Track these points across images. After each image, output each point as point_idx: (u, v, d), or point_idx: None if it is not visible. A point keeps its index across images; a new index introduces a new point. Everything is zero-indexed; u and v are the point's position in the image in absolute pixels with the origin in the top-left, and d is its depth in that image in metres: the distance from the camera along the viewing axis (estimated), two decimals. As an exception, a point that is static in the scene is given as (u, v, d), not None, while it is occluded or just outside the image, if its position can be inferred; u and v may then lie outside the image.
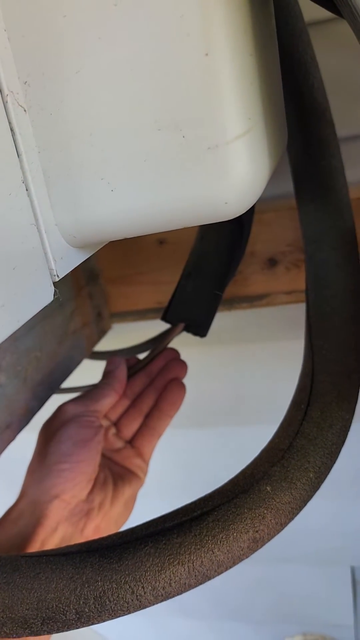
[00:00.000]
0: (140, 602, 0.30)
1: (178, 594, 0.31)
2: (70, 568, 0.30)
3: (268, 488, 0.32)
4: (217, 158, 0.20)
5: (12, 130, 0.20)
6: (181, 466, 0.81)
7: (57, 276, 0.22)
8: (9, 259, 0.19)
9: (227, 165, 0.20)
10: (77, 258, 0.24)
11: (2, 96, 0.19)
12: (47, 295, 0.21)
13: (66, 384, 0.54)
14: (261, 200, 0.25)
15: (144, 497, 0.83)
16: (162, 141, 0.20)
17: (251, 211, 0.54)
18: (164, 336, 0.52)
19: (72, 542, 0.44)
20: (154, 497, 0.83)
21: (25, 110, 0.20)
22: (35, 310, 0.20)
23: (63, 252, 0.22)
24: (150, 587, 0.29)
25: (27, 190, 0.20)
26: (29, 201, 0.21)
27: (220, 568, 0.31)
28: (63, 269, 0.22)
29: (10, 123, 0.20)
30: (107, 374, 0.51)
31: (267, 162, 0.23)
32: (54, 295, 0.21)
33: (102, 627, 1.02)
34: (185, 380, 0.72)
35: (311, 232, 0.45)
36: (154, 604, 0.30)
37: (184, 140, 0.20)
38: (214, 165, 0.20)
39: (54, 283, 0.22)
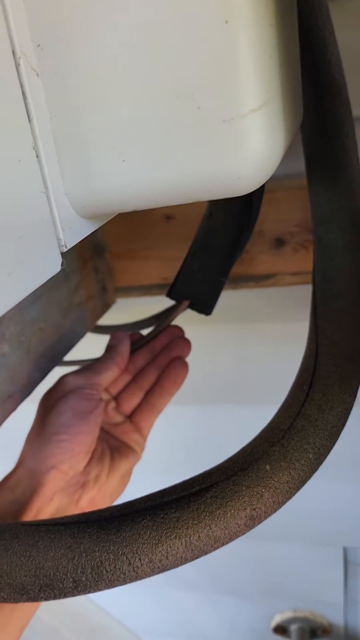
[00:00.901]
0: (136, 573, 0.30)
1: (174, 567, 0.31)
2: (69, 538, 0.30)
3: (267, 467, 0.33)
4: (231, 131, 0.20)
5: (23, 94, 0.19)
6: (179, 442, 0.82)
7: (65, 246, 0.21)
8: (17, 226, 0.18)
9: (241, 139, 0.20)
10: (86, 229, 0.23)
11: (14, 59, 0.19)
12: (54, 266, 0.21)
13: (68, 357, 0.54)
14: (271, 179, 0.25)
15: (141, 471, 0.84)
16: (177, 111, 0.20)
17: (261, 190, 0.53)
18: (169, 313, 0.52)
19: (67, 513, 0.44)
20: (152, 472, 0.84)
21: (37, 75, 0.20)
22: (43, 280, 0.20)
23: (72, 222, 0.22)
24: (147, 559, 0.30)
25: (37, 157, 0.20)
26: (39, 168, 0.20)
27: (217, 543, 0.31)
28: (71, 240, 0.22)
29: (22, 87, 0.19)
30: (110, 348, 0.51)
31: (282, 138, 0.22)
32: (62, 266, 0.21)
33: (98, 596, 1.04)
34: (188, 357, 0.72)
35: (321, 212, 0.45)
36: (150, 576, 0.31)
37: (198, 111, 0.20)
38: (228, 138, 0.20)
39: (62, 254, 0.22)
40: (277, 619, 1.01)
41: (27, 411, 0.46)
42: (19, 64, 0.19)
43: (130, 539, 0.30)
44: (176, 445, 0.82)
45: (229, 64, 0.19)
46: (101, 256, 0.62)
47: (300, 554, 0.89)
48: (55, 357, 0.50)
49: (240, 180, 0.21)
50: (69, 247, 0.22)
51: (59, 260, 0.21)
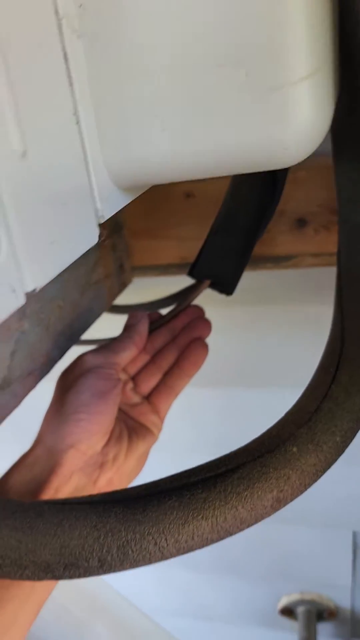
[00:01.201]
0: (162, 553, 0.30)
1: (200, 548, 0.31)
2: (94, 517, 0.30)
3: (294, 449, 0.32)
4: (280, 100, 0.19)
5: (65, 56, 0.18)
6: (192, 423, 0.82)
7: (103, 217, 0.21)
8: (59, 194, 0.18)
9: (289, 108, 0.19)
10: (122, 200, 0.23)
11: (57, 19, 0.18)
12: (92, 236, 0.20)
13: (85, 337, 0.53)
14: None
15: (152, 453, 0.84)
16: (223, 79, 0.19)
17: (286, 168, 0.52)
18: (189, 292, 0.51)
19: (85, 493, 0.44)
20: (161, 452, 0.84)
21: (79, 37, 0.19)
22: (82, 251, 0.19)
23: (109, 193, 0.21)
24: (173, 540, 0.29)
25: (77, 123, 0.19)
26: (79, 135, 0.19)
27: (243, 525, 0.31)
28: (108, 210, 0.21)
29: (64, 49, 0.18)
30: (128, 328, 0.50)
31: (329, 109, 0.22)
32: (99, 238, 0.20)
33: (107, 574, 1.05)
34: (204, 339, 0.72)
35: (347, 193, 0.43)
36: (175, 556, 0.30)
37: (246, 78, 0.19)
38: (276, 107, 0.19)
39: (99, 225, 0.21)
40: (284, 601, 1.02)
41: (45, 390, 0.46)
42: (62, 25, 0.18)
43: (157, 519, 0.29)
44: (185, 426, 0.81)
45: (280, 28, 0.18)
46: (119, 234, 0.61)
47: (310, 538, 0.90)
48: (73, 336, 0.50)
49: (287, 151, 0.20)
50: (106, 218, 0.21)
51: (96, 231, 0.20)
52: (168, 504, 0.30)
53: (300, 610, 1.01)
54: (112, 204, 0.22)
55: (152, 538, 0.29)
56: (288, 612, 1.02)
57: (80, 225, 0.19)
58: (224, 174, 0.22)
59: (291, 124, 0.20)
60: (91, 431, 0.44)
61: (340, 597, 0.99)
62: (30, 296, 0.18)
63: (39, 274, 0.16)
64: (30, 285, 0.15)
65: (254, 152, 0.20)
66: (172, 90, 0.20)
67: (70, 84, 0.19)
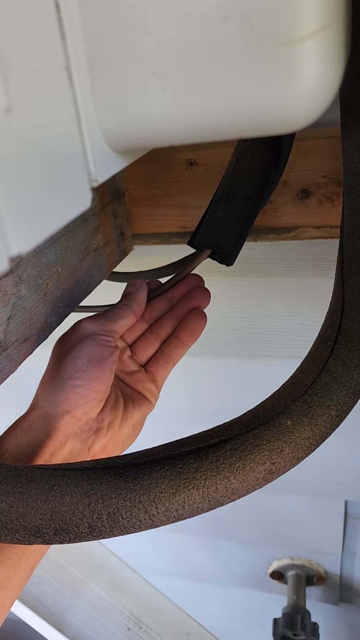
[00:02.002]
0: (152, 521, 0.30)
1: (190, 517, 0.31)
2: (86, 483, 0.30)
3: (288, 422, 0.32)
4: (286, 56, 0.18)
5: (57, 5, 0.17)
6: (187, 392, 0.82)
7: (96, 181, 0.20)
8: (47, 155, 0.17)
9: (297, 66, 0.18)
10: (117, 164, 0.22)
11: None
12: (84, 200, 0.19)
13: (84, 303, 0.53)
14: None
15: (150, 419, 0.84)
16: (226, 33, 0.18)
17: (291, 136, 0.50)
18: (189, 261, 0.50)
19: (80, 458, 0.44)
20: (158, 420, 0.84)
21: (72, -16, 0.18)
22: (73, 215, 0.18)
23: (103, 156, 0.20)
24: (163, 508, 0.30)
25: (69, 79, 0.18)
26: (71, 93, 0.18)
27: (234, 495, 0.31)
28: (102, 174, 0.20)
29: (56, -3, 0.17)
30: (126, 296, 0.50)
31: (339, 70, 0.20)
32: (92, 202, 0.20)
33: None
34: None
35: (354, 162, 0.42)
36: (165, 524, 0.31)
37: (251, 33, 0.18)
38: (282, 65, 0.18)
39: (92, 189, 0.20)
40: (275, 565, 1.04)
41: (42, 355, 0.46)
42: (54, -29, 0.17)
43: (148, 488, 0.29)
44: (182, 395, 0.82)
45: (288, -21, 0.17)
46: (120, 201, 0.60)
47: (303, 506, 0.91)
48: (71, 302, 0.49)
49: (292, 114, 0.19)
50: (99, 182, 0.20)
51: (89, 195, 0.19)
52: (160, 473, 0.30)
53: (290, 574, 1.03)
54: (107, 167, 0.21)
55: (143, 506, 0.29)
56: (278, 575, 1.04)
57: (71, 188, 0.18)
58: (226, 138, 0.21)
59: (297, 84, 0.18)
60: (87, 397, 0.43)
61: (330, 563, 1.01)
62: (16, 260, 0.17)
63: (25, 238, 0.15)
64: (14, 249, 0.15)
65: (256, 114, 0.19)
66: (173, 45, 0.19)
67: (63, 36, 0.18)
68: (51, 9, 0.17)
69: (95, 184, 0.20)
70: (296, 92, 0.18)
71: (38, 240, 0.16)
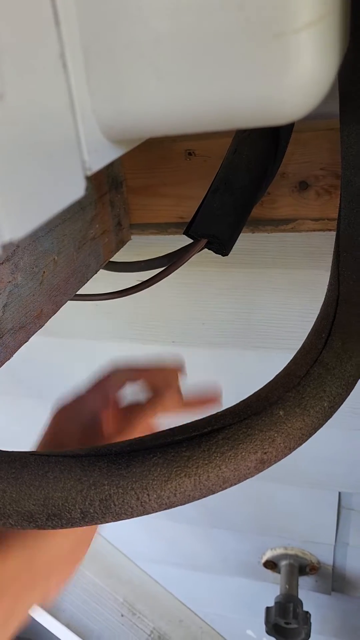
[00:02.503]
0: (144, 508, 0.30)
1: (182, 504, 0.31)
2: (79, 470, 0.31)
3: (281, 412, 0.32)
4: (281, 47, 0.18)
5: (52, -7, 0.17)
6: (186, 382, 0.82)
7: (90, 169, 0.20)
8: (41, 143, 0.17)
9: (291, 58, 0.18)
10: (112, 153, 0.22)
11: None
12: (78, 189, 0.19)
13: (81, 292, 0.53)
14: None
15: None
16: (222, 23, 0.18)
17: (290, 127, 0.50)
18: (185, 251, 0.50)
19: None
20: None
21: (68, -28, 0.18)
22: (65, 204, 0.18)
23: (98, 145, 0.20)
24: (155, 495, 0.30)
25: (63, 67, 0.18)
26: (66, 80, 0.18)
27: (225, 484, 0.31)
28: (96, 163, 0.20)
29: (51, -16, 0.17)
30: (100, 387, 0.48)
31: (335, 62, 0.20)
32: (86, 190, 0.20)
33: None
34: (199, 299, 0.72)
35: (352, 155, 0.42)
36: (157, 511, 0.31)
37: (246, 23, 0.18)
38: (276, 55, 0.18)
39: (86, 178, 0.20)
40: (268, 554, 1.05)
41: (37, 343, 0.46)
42: None
43: (140, 475, 0.30)
44: (183, 385, 0.82)
45: (284, -31, 0.17)
46: (118, 190, 0.60)
47: (297, 496, 0.92)
48: (68, 291, 0.49)
49: (285, 105, 0.19)
50: (93, 171, 0.20)
51: (83, 183, 0.20)
52: (152, 461, 0.30)
53: (283, 563, 1.04)
54: (101, 156, 0.21)
55: (135, 493, 0.30)
56: (271, 564, 1.05)
57: (64, 176, 0.19)
58: (221, 129, 0.21)
59: (291, 75, 0.19)
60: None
61: (323, 553, 1.02)
62: (10, 247, 0.17)
63: (17, 224, 0.15)
64: (6, 236, 0.15)
65: (251, 104, 0.19)
66: (167, 35, 0.19)
67: (57, 23, 0.18)
68: (46, -4, 0.17)
69: (89, 173, 0.20)
70: (290, 83, 0.18)
71: (30, 228, 0.16)
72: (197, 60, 0.19)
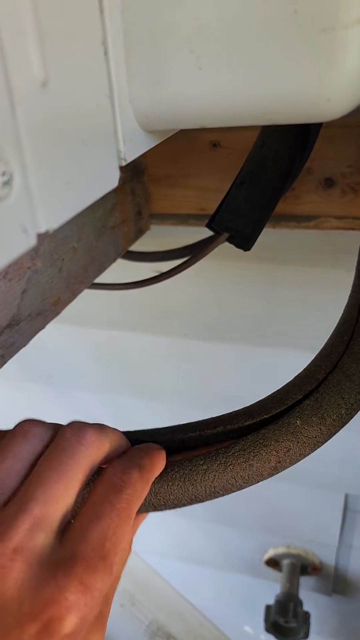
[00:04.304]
0: (156, 510, 0.31)
1: (189, 505, 0.31)
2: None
3: (298, 422, 0.32)
4: (329, 43, 0.17)
5: (97, -24, 0.17)
6: (196, 376, 0.82)
7: (125, 160, 0.19)
8: (79, 131, 0.16)
9: (339, 54, 0.17)
10: (146, 143, 0.21)
11: None
12: (112, 179, 0.19)
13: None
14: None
15: (155, 400, 0.85)
16: (270, 14, 0.17)
17: (320, 123, 0.49)
18: (206, 243, 0.49)
19: None
20: (166, 402, 0.85)
21: None
22: (100, 194, 0.18)
23: (133, 134, 0.20)
24: (171, 504, 0.30)
25: (105, 54, 0.18)
26: (106, 68, 0.18)
27: (237, 489, 0.32)
28: (131, 153, 0.20)
29: (96, -34, 0.17)
30: None
31: (381, 59, 0.20)
32: (119, 182, 0.19)
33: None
34: (214, 292, 0.71)
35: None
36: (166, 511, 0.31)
37: (295, 16, 0.17)
38: (324, 51, 0.17)
39: (120, 168, 0.20)
40: (271, 552, 1.05)
41: (52, 331, 0.46)
42: None
43: (157, 491, 0.30)
44: (191, 378, 0.82)
45: None
46: (139, 179, 0.59)
47: (303, 496, 0.91)
48: (86, 279, 0.49)
49: (330, 102, 0.18)
50: (128, 161, 0.20)
51: (117, 174, 0.19)
52: (169, 475, 0.30)
53: (285, 562, 1.04)
54: (136, 146, 0.20)
55: (152, 504, 0.30)
56: (273, 563, 1.05)
57: (100, 166, 0.18)
58: (260, 123, 0.20)
59: (337, 71, 0.18)
60: None
61: (326, 554, 1.01)
62: (43, 236, 0.17)
63: (53, 214, 0.15)
64: (43, 226, 0.14)
65: (293, 99, 0.19)
66: (212, 24, 0.18)
67: (101, 10, 0.17)
68: (91, -22, 0.16)
69: (123, 163, 0.19)
70: (336, 80, 0.18)
71: (66, 218, 0.15)
72: (240, 51, 0.18)
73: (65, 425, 0.27)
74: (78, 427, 0.26)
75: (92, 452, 0.26)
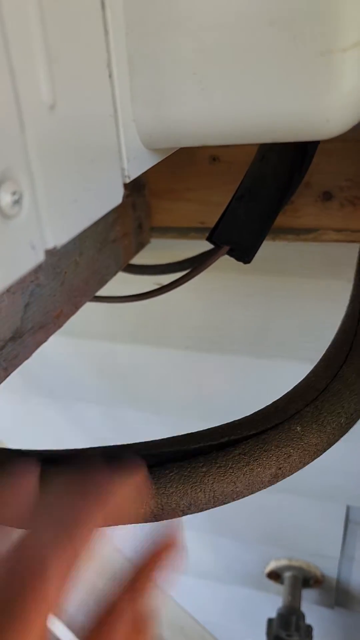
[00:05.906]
0: (157, 520, 0.31)
1: (193, 513, 0.31)
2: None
3: (298, 428, 0.32)
4: (327, 66, 0.18)
5: (102, 3, 0.17)
6: (197, 388, 0.82)
7: (129, 177, 0.20)
8: (86, 151, 0.17)
9: (337, 77, 0.18)
10: (149, 161, 0.22)
11: None
12: (117, 196, 0.19)
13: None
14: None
15: (156, 412, 0.85)
16: (271, 38, 0.18)
17: (318, 138, 0.50)
18: (207, 256, 0.50)
19: None
20: (167, 413, 0.85)
21: (118, -19, 0.18)
22: (105, 210, 0.18)
23: (137, 152, 0.21)
24: (169, 509, 0.30)
25: (110, 76, 0.18)
26: (111, 90, 0.18)
27: (238, 496, 0.32)
28: (135, 171, 0.20)
29: (101, -7, 0.17)
30: None
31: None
32: (123, 198, 0.20)
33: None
34: (214, 304, 0.71)
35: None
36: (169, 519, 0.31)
37: (294, 40, 0.18)
38: (322, 74, 0.18)
39: (124, 185, 0.20)
40: (272, 565, 1.04)
41: (55, 343, 0.46)
42: (101, -33, 0.17)
43: (157, 492, 0.30)
44: (190, 390, 0.82)
45: (333, -13, 0.17)
46: (140, 193, 0.60)
47: (304, 508, 0.91)
48: (87, 292, 0.49)
49: (329, 123, 0.19)
50: (132, 179, 0.20)
51: (121, 191, 0.20)
52: (169, 477, 0.30)
53: (287, 575, 1.03)
54: (139, 164, 0.21)
55: (149, 508, 0.30)
56: (275, 575, 1.05)
57: (105, 184, 0.19)
58: (260, 141, 0.21)
59: (335, 94, 0.18)
60: None
61: (328, 566, 1.01)
62: (49, 252, 0.17)
63: (60, 231, 0.15)
64: (50, 243, 0.15)
65: (292, 120, 0.19)
66: (215, 46, 0.19)
67: (106, 33, 0.18)
68: (96, 6, 0.17)
69: (127, 180, 0.20)
70: (334, 102, 0.18)
71: (73, 234, 0.16)
72: (242, 73, 0.19)
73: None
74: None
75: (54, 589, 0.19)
